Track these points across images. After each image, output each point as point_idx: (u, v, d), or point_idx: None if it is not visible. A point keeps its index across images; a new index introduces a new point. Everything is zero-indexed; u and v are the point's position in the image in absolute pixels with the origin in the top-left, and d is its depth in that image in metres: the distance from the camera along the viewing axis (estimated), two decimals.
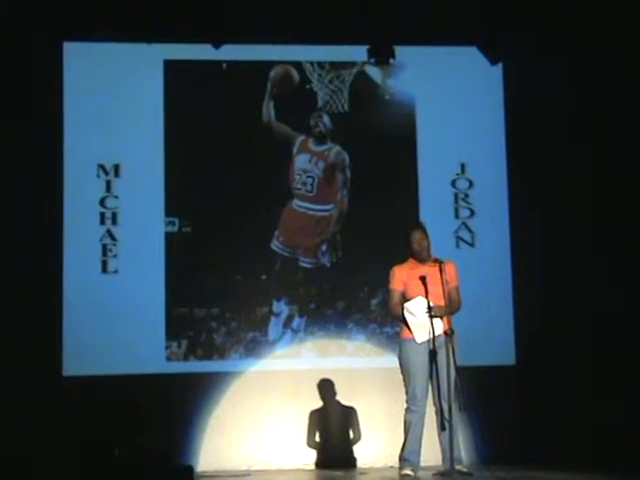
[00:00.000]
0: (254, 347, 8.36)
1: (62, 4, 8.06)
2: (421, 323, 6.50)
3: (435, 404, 6.53)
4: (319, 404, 8.23)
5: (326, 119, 8.64)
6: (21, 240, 8.07)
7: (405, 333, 6.60)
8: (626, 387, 8.17)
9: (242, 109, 8.51)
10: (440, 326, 6.50)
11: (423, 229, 6.72)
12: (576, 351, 8.31)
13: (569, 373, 8.27)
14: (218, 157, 8.49)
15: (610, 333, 8.28)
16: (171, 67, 8.48)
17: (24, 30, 8.09)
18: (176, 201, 8.42)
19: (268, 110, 8.54)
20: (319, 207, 8.57)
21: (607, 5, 8.12)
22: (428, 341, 6.48)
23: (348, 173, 8.59)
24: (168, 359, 8.25)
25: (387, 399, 7.90)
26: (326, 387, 8.23)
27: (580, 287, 8.41)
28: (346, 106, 8.66)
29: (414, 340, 6.53)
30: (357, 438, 8.20)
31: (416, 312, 6.52)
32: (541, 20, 8.26)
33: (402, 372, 6.62)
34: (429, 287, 6.49)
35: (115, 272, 8.28)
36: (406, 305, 6.56)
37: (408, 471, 6.51)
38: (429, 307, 6.46)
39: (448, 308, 6.56)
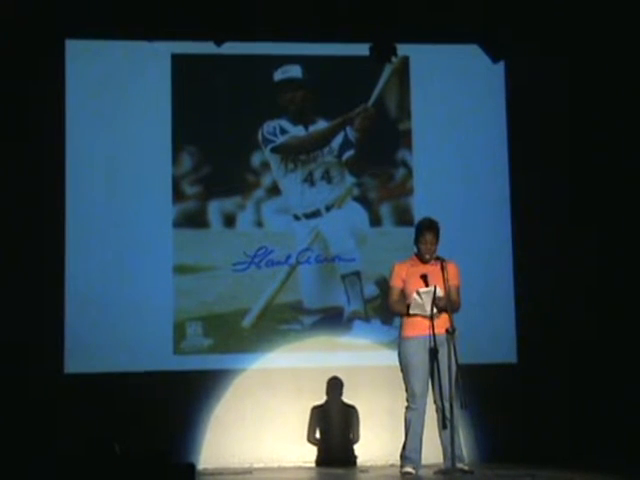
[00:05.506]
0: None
1: (65, 3, 8.08)
2: (422, 305, 6.45)
3: (436, 402, 6.52)
4: (321, 401, 8.23)
5: None
6: (24, 236, 8.08)
7: (404, 331, 6.58)
8: (627, 385, 8.17)
9: (249, 102, 8.53)
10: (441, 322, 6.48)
11: (436, 231, 6.60)
12: (577, 349, 8.31)
13: (570, 371, 8.27)
14: (225, 153, 8.50)
15: (611, 331, 8.28)
16: (178, 61, 8.47)
17: (27, 28, 8.12)
18: (182, 195, 8.44)
19: None
20: None
21: (608, 4, 8.11)
22: (429, 339, 6.46)
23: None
24: (170, 356, 8.24)
25: (388, 397, 7.90)
26: (328, 385, 8.22)
27: (582, 285, 8.41)
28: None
29: (413, 338, 6.50)
30: (358, 436, 8.19)
31: (424, 297, 6.46)
32: (543, 18, 8.26)
33: (401, 370, 6.60)
34: (430, 285, 6.47)
35: (119, 268, 8.26)
36: (419, 290, 6.48)
37: (409, 469, 6.50)
38: (435, 295, 6.39)
39: (449, 304, 6.54)
